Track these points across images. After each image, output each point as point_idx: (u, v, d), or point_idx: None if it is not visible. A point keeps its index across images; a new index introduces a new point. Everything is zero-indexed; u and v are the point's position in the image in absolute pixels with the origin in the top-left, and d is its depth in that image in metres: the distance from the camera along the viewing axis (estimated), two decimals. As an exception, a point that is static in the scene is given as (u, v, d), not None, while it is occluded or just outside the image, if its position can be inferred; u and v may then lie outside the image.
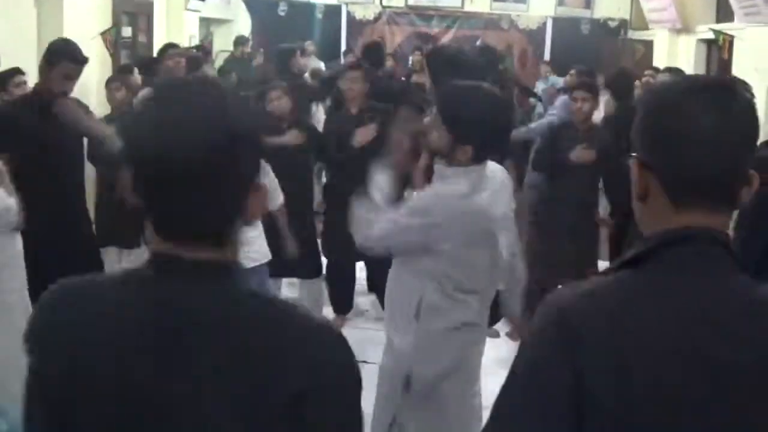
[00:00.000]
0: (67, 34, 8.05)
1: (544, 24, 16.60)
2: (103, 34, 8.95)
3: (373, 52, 7.85)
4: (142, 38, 10.79)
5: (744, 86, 1.49)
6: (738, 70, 9.92)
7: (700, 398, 1.43)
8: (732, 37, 10.36)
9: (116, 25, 9.52)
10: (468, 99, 3.06)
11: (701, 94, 1.51)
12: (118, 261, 6.62)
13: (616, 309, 1.49)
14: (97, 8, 9.15)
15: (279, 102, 6.25)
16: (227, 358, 1.34)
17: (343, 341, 1.44)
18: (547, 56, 15.98)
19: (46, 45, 5.07)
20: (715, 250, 1.50)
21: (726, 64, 10.70)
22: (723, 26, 10.99)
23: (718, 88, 1.53)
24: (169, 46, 6.95)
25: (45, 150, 4.70)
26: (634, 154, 1.59)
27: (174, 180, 1.33)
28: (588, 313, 1.50)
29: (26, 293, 4.08)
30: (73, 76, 4.86)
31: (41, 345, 1.47)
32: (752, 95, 1.71)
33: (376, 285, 6.61)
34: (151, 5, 11.07)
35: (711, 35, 11.21)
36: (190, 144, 1.32)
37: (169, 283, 1.39)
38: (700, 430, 1.44)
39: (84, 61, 4.92)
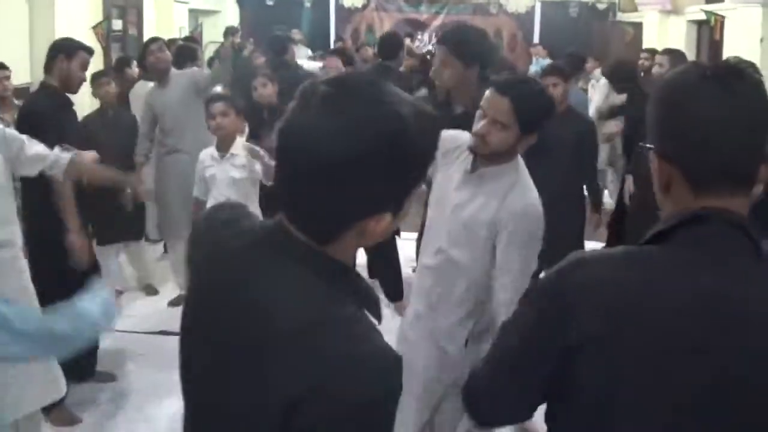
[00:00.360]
0: (59, 28, 8.03)
1: (533, 8, 16.62)
2: (94, 27, 8.96)
3: (387, 45, 7.60)
4: (132, 31, 10.77)
5: (752, 67, 1.49)
6: (729, 50, 9.95)
7: (700, 396, 1.42)
8: (723, 17, 10.38)
9: (107, 18, 9.51)
10: (536, 92, 3.07)
11: (711, 81, 1.51)
12: (116, 255, 6.68)
13: (615, 288, 1.49)
14: (88, 2, 9.13)
15: (264, 90, 6.29)
16: (253, 345, 1.34)
17: (375, 377, 1.30)
18: (536, 40, 15.97)
19: (38, 39, 5.22)
20: (730, 230, 1.49)
21: (717, 45, 10.74)
22: (713, 7, 11.02)
23: (727, 73, 1.53)
24: (152, 41, 6.92)
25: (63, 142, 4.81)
26: (651, 146, 1.59)
27: (313, 172, 1.32)
28: (585, 285, 1.51)
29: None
30: (87, 66, 5.04)
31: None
32: (760, 75, 1.71)
33: (377, 271, 6.63)
34: (140, -2, 11.05)
35: (701, 16, 11.24)
36: (343, 141, 1.29)
37: (269, 251, 1.41)
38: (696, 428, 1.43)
39: (93, 51, 5.17)
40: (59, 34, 8.13)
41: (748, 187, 1.53)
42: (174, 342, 5.83)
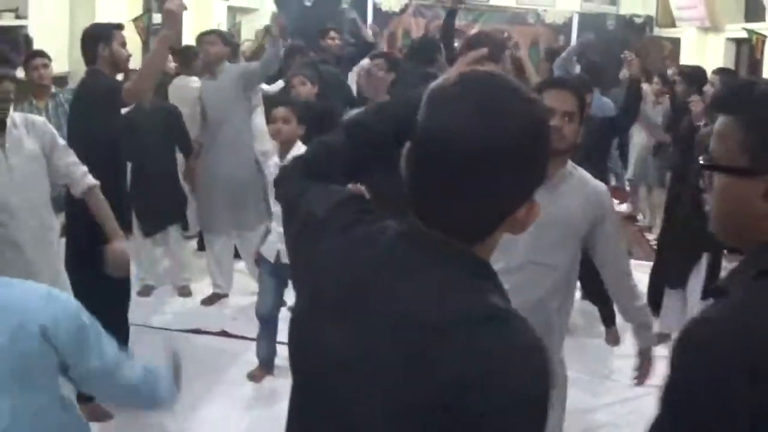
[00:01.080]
0: (100, 20, 8.04)
1: (570, 19, 16.54)
2: (135, 20, 8.98)
3: (421, 49, 7.28)
4: (171, 25, 10.79)
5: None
6: (769, 70, 9.89)
7: None
8: (765, 37, 10.29)
9: (147, 11, 9.55)
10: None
11: None
12: (151, 245, 6.69)
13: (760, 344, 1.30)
14: (129, -5, 9.21)
15: (303, 88, 6.28)
16: (402, 338, 1.32)
17: (536, 369, 1.29)
18: (573, 52, 15.89)
19: (78, 30, 5.36)
20: None
21: (757, 65, 10.64)
22: (753, 26, 10.93)
23: None
24: (206, 34, 6.92)
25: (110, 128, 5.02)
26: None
27: (469, 170, 1.32)
28: (732, 357, 1.30)
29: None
30: (125, 42, 5.16)
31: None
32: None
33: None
34: (180, -8, 11.08)
35: (741, 34, 11.13)
36: (492, 134, 1.31)
37: (413, 252, 1.40)
38: None
39: (123, 26, 5.37)
40: (100, 26, 8.16)
41: None
42: (205, 340, 5.88)
